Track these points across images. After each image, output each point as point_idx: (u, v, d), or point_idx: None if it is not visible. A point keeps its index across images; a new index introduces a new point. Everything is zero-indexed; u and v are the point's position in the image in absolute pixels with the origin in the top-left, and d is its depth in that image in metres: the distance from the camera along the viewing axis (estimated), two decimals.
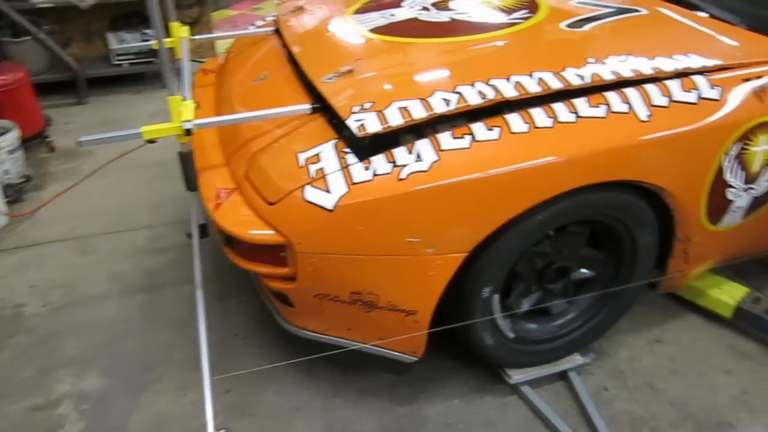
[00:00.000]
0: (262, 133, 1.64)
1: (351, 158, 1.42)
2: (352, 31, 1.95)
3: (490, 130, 1.41)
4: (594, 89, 1.49)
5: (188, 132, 1.50)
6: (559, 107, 1.45)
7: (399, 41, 1.82)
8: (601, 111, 1.45)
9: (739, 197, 1.65)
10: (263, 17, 2.58)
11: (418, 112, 1.41)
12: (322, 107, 1.60)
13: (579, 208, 1.49)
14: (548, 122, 1.42)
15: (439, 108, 1.42)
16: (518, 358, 1.73)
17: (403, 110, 1.42)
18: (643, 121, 1.45)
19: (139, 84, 4.02)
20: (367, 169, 1.38)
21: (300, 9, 2.26)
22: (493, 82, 1.48)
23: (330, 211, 1.36)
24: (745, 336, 2.00)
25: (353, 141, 1.45)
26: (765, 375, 1.87)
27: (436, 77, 1.60)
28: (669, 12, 1.92)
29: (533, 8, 1.96)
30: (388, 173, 1.37)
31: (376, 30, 1.90)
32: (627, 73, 1.51)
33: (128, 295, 2.21)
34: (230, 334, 2.02)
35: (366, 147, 1.43)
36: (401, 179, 1.35)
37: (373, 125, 1.40)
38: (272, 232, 1.42)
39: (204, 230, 1.82)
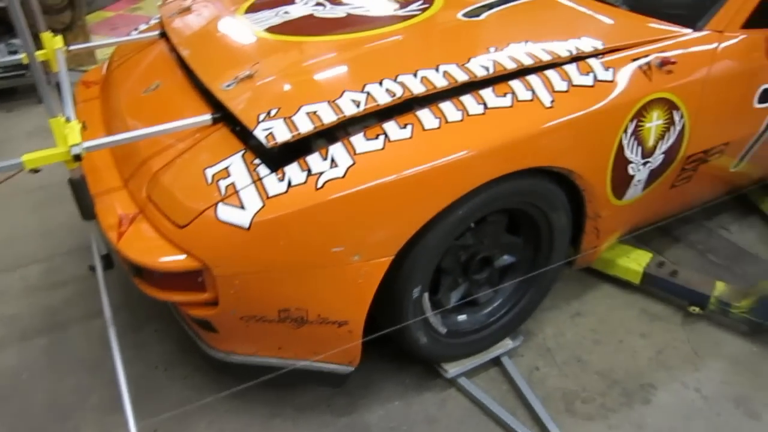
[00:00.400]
0: (161, 149, 1.52)
1: (263, 170, 1.35)
2: (246, 31, 1.86)
3: (403, 128, 1.39)
4: (498, 79, 1.51)
5: (78, 157, 1.36)
6: (468, 100, 1.45)
7: (297, 40, 1.75)
8: (507, 100, 1.47)
9: (639, 172, 1.74)
10: (146, 19, 2.40)
11: (328, 116, 1.36)
12: (224, 116, 1.51)
13: (497, 198, 1.51)
14: (458, 116, 1.42)
15: (349, 110, 1.37)
16: (452, 351, 1.74)
17: (312, 115, 1.37)
18: (547, 108, 1.49)
19: (10, 100, 3.64)
20: (281, 180, 1.32)
21: (186, 10, 2.12)
22: (401, 78, 1.46)
23: (246, 229, 1.28)
24: (654, 299, 2.13)
25: (263, 151, 1.38)
26: (676, 334, 2.00)
27: (343, 77, 1.56)
28: None
29: None
30: (303, 183, 1.31)
31: (272, 29, 1.82)
32: (528, 60, 1.54)
33: (28, 339, 2.00)
34: (150, 367, 1.88)
35: (277, 156, 1.36)
36: (318, 188, 1.30)
37: (282, 134, 1.33)
38: (186, 257, 1.33)
39: (108, 261, 1.67)
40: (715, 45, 1.77)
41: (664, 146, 1.74)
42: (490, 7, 1.89)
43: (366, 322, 1.50)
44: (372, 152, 1.35)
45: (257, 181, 1.33)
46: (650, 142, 1.70)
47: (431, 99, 1.45)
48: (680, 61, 1.69)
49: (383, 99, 1.40)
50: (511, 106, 1.46)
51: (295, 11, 1.92)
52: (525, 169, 1.48)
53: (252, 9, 2.01)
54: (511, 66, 1.52)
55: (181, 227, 1.34)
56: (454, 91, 1.46)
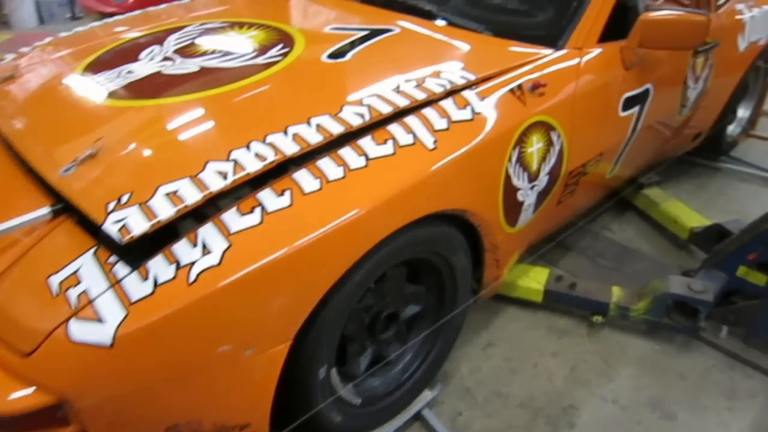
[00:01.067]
0: None
1: (121, 269, 1.13)
2: (85, 99, 1.62)
3: (281, 195, 1.24)
4: (376, 125, 1.41)
5: None
6: (347, 153, 1.33)
7: (146, 104, 1.54)
8: (389, 148, 1.37)
9: (528, 196, 1.71)
10: None
11: (191, 195, 1.18)
12: (67, 207, 1.27)
13: (394, 254, 1.39)
14: (339, 173, 1.29)
15: (216, 184, 1.20)
16: (370, 421, 1.60)
17: (173, 196, 1.18)
18: (431, 150, 1.41)
19: None
20: (145, 279, 1.11)
21: (11, 78, 1.82)
22: (270, 138, 1.31)
23: (109, 346, 1.06)
24: (558, 313, 2.14)
25: (119, 246, 1.16)
26: (584, 347, 2.01)
27: (204, 145, 1.37)
28: (417, 27, 1.94)
29: (288, 41, 1.83)
30: (172, 279, 1.11)
31: (115, 94, 1.59)
32: (403, 101, 1.45)
33: None
34: None
35: (137, 249, 1.15)
36: (191, 283, 1.11)
37: (138, 224, 1.13)
38: (36, 391, 1.08)
39: None
40: (577, 61, 1.80)
41: (547, 167, 1.74)
42: (353, 45, 1.79)
43: (272, 414, 1.32)
44: (249, 229, 1.18)
45: (115, 284, 1.11)
46: (534, 166, 1.69)
47: (307, 157, 1.31)
48: (550, 82, 1.70)
49: (253, 166, 1.24)
50: (393, 154, 1.36)
51: (140, 70, 1.70)
52: (419, 218, 1.38)
53: (90, 69, 1.76)
54: (387, 110, 1.42)
55: (27, 355, 1.08)
56: (330, 145, 1.34)
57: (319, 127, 1.35)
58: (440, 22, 1.97)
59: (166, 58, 1.77)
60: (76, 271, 1.15)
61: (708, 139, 2.94)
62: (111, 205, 1.18)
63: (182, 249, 1.15)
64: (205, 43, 1.86)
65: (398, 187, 1.32)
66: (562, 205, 1.99)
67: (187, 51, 1.81)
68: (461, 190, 1.48)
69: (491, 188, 1.57)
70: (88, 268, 1.15)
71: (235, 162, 1.25)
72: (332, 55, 1.73)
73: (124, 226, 1.13)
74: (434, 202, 1.41)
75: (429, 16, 2.01)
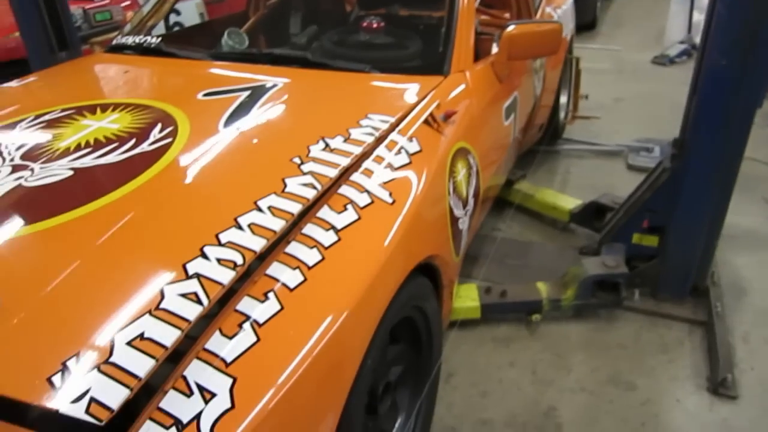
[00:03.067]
0: None
1: None
2: None
3: (265, 300, 1.05)
4: (324, 193, 1.28)
5: None
6: (313, 231, 1.18)
7: (33, 231, 1.20)
8: (351, 213, 1.25)
9: (465, 223, 1.71)
10: None
11: (165, 335, 0.94)
12: None
13: (389, 323, 1.27)
14: (316, 255, 1.14)
15: (189, 312, 0.98)
16: None
17: (140, 342, 0.93)
18: (392, 204, 1.32)
19: None
20: None
21: None
22: (225, 237, 1.11)
23: None
24: (494, 324, 2.18)
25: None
26: (533, 348, 2.07)
27: (148, 267, 1.10)
28: (295, 78, 1.83)
29: (165, 119, 1.59)
30: None
31: None
32: (344, 160, 1.34)
33: None
34: None
35: (111, 428, 0.89)
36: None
37: (112, 394, 0.87)
38: None
39: None
40: (464, 84, 1.85)
41: (471, 190, 1.75)
42: (244, 107, 1.62)
43: None
44: (248, 352, 0.98)
45: None
46: (464, 193, 1.69)
47: (270, 249, 1.13)
48: (453, 107, 1.71)
49: (222, 276, 1.03)
50: (359, 219, 1.24)
51: None
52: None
53: None
54: (332, 173, 1.30)
55: None
56: (289, 230, 1.17)
57: (273, 209, 1.18)
58: (314, 69, 1.88)
59: (16, 168, 1.42)
60: None
61: (547, 128, 3.25)
62: (57, 379, 0.89)
63: (174, 403, 0.91)
64: (59, 139, 1.53)
65: (383, 252, 1.21)
66: (478, 221, 2.03)
67: (39, 154, 1.47)
68: (426, 237, 1.42)
69: (443, 225, 1.53)
70: None
71: (198, 277, 1.03)
72: (228, 123, 1.54)
73: (92, 401, 0.86)
74: (413, 257, 1.32)
75: (304, 64, 1.90)
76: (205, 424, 0.89)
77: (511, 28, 1.96)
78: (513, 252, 2.58)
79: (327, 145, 1.40)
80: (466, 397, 1.89)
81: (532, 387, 1.92)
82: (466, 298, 2.12)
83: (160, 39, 2.24)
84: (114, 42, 2.36)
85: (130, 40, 2.29)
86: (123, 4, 4.48)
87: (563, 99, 3.52)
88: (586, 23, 6.51)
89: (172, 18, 4.61)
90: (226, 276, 1.03)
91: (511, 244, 2.64)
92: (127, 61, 2.19)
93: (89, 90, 1.98)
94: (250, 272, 1.10)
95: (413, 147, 1.50)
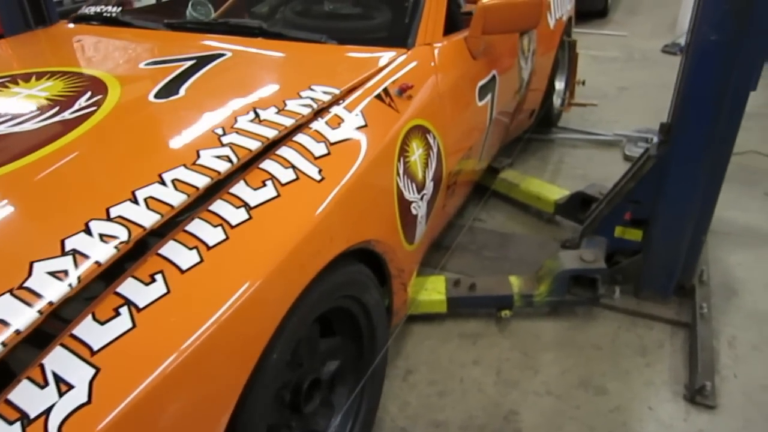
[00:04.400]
0: None
1: None
2: None
3: (150, 283, 0.93)
4: (245, 166, 1.15)
5: None
6: (222, 207, 1.06)
7: None
8: (270, 190, 1.12)
9: (420, 208, 1.57)
10: None
11: (22, 315, 0.83)
12: None
13: (308, 313, 1.15)
14: (220, 235, 1.02)
15: (53, 293, 0.86)
16: None
17: None
18: (320, 181, 1.19)
19: None
20: None
21: None
22: (116, 211, 0.99)
23: None
24: (464, 318, 2.05)
25: None
26: (501, 345, 1.93)
27: (24, 242, 0.99)
28: (251, 48, 1.70)
29: (98, 87, 1.48)
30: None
31: None
32: (271, 132, 1.22)
33: None
34: None
35: None
36: None
37: None
38: None
39: None
40: (430, 57, 1.71)
41: (430, 173, 1.61)
42: (182, 78, 1.50)
43: None
44: (120, 339, 0.86)
45: None
46: (420, 175, 1.55)
47: (171, 226, 1.02)
48: (413, 82, 1.57)
49: (101, 254, 0.92)
50: (278, 196, 1.12)
51: None
52: (327, 264, 1.16)
53: None
54: (255, 145, 1.17)
55: None
56: (197, 203, 1.06)
57: (177, 182, 1.06)
58: (270, 39, 1.75)
59: None
60: None
61: (540, 114, 3.09)
62: None
63: (25, 394, 0.80)
64: None
65: (298, 234, 1.08)
66: (445, 208, 1.89)
67: None
68: (363, 219, 1.28)
69: (388, 208, 1.40)
70: None
71: (75, 253, 0.92)
72: (160, 94, 1.42)
73: None
74: (339, 241, 1.19)
75: (258, 33, 1.78)
76: (54, 420, 0.78)
77: (486, 0, 1.81)
78: (491, 243, 2.43)
79: (257, 116, 1.27)
80: (422, 396, 1.76)
81: (495, 388, 1.78)
82: (433, 291, 1.99)
83: (119, 9, 2.13)
84: (79, 12, 2.26)
85: (92, 10, 2.19)
86: None
87: (559, 85, 3.35)
88: (598, 10, 6.28)
89: None
90: (105, 253, 0.92)
91: (490, 236, 2.49)
92: (85, 31, 2.09)
93: (33, 59, 1.87)
94: (146, 250, 0.99)
95: (357, 121, 1.36)
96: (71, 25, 2.16)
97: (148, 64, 1.63)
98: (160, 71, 1.55)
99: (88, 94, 1.44)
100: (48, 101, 1.41)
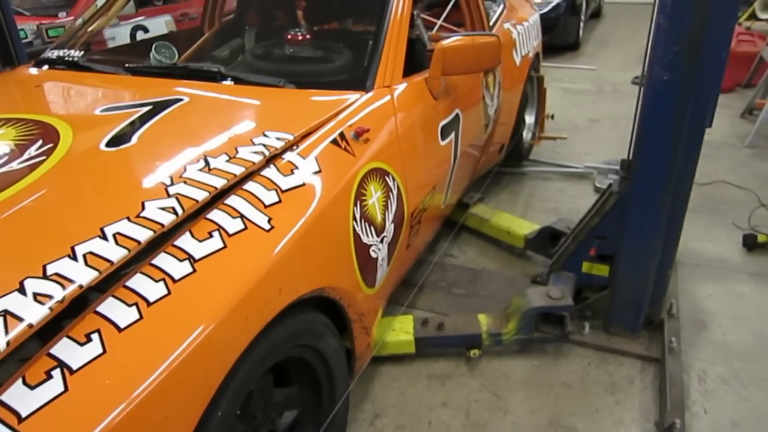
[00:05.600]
0: None
1: None
2: None
3: (85, 343, 0.90)
4: (191, 217, 1.14)
5: None
6: (164, 261, 1.04)
7: None
8: (216, 241, 1.10)
9: (380, 251, 1.56)
10: None
11: None
12: None
13: (257, 366, 1.12)
14: (161, 290, 0.99)
15: None
16: None
17: None
18: (269, 230, 1.17)
19: None
20: None
21: None
22: (53, 268, 0.96)
23: None
24: (433, 358, 2.02)
25: None
26: (470, 386, 1.90)
27: None
28: (207, 93, 1.70)
29: (50, 135, 1.46)
30: None
31: None
32: (219, 181, 1.20)
33: None
34: None
35: None
36: None
37: None
38: None
39: None
40: (389, 99, 1.72)
41: (390, 215, 1.60)
42: (135, 125, 1.49)
43: None
44: (46, 408, 0.83)
45: None
46: (379, 218, 1.54)
47: (110, 281, 0.99)
48: (371, 125, 1.57)
49: (32, 316, 0.89)
50: (224, 248, 1.10)
51: None
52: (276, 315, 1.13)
53: None
54: (201, 196, 1.15)
55: None
56: (138, 258, 1.03)
57: (118, 237, 1.03)
58: (229, 83, 1.75)
59: None
60: None
61: (509, 148, 3.12)
62: None
63: None
64: None
65: (243, 287, 1.06)
66: (410, 248, 1.88)
67: None
68: (315, 267, 1.27)
69: (344, 254, 1.38)
70: None
71: (6, 314, 0.88)
72: (112, 143, 1.40)
73: None
74: (289, 291, 1.16)
75: (217, 78, 1.78)
76: None
77: (445, 41, 1.83)
78: (462, 280, 2.42)
79: (207, 164, 1.26)
80: None
81: (464, 431, 1.75)
82: (400, 331, 1.96)
83: (82, 53, 2.12)
84: (41, 56, 2.25)
85: (54, 53, 2.18)
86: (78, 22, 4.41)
87: (529, 119, 3.39)
88: (569, 44, 6.43)
89: (140, 35, 4.53)
90: (37, 314, 0.89)
91: (460, 272, 2.48)
92: (46, 76, 2.08)
93: None
94: (82, 308, 0.96)
95: (311, 167, 1.36)
96: (33, 70, 2.15)
97: (103, 110, 1.61)
98: (114, 117, 1.54)
99: (40, 142, 1.42)
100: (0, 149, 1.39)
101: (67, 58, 2.10)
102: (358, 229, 1.43)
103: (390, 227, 1.60)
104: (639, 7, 9.32)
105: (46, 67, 2.11)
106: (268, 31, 2.42)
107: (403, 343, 1.94)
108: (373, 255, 1.52)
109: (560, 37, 6.07)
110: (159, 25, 4.61)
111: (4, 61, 3.03)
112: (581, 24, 6.60)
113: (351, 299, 1.43)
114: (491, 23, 2.73)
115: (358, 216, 1.43)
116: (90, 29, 2.41)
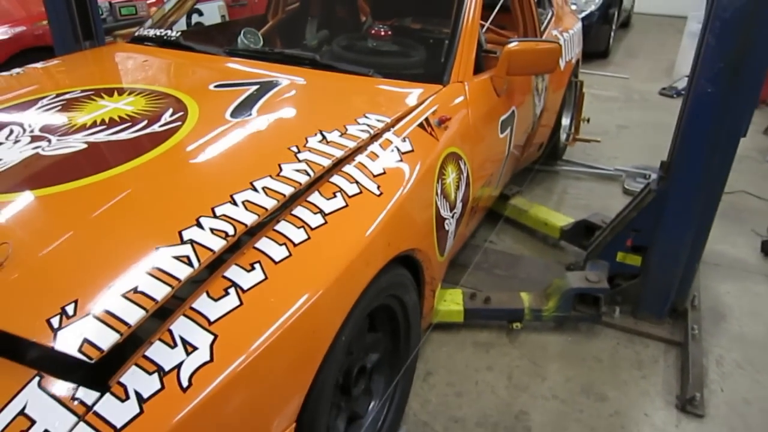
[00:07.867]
0: None
1: (86, 395, 0.94)
2: None
3: (251, 270, 1.14)
4: (317, 180, 1.37)
5: None
6: (302, 213, 1.28)
7: (47, 193, 1.30)
8: (339, 200, 1.34)
9: (451, 225, 1.79)
10: None
11: (157, 289, 1.03)
12: None
13: (367, 305, 1.36)
14: (303, 234, 1.23)
15: (180, 272, 1.06)
16: None
17: (133, 295, 1.02)
18: (379, 196, 1.41)
19: None
20: (125, 399, 0.94)
21: None
22: (220, 211, 1.20)
23: None
24: (477, 329, 2.25)
25: (68, 368, 0.97)
26: (512, 354, 2.14)
27: (146, 231, 1.20)
28: (301, 78, 1.93)
29: (177, 105, 1.70)
30: (161, 390, 0.95)
31: None
32: (338, 152, 1.44)
33: None
34: None
35: (96, 369, 0.97)
36: (186, 388, 0.96)
37: (103, 337, 0.95)
38: None
39: None
40: (463, 94, 1.94)
41: (460, 195, 1.84)
42: (251, 100, 1.72)
43: None
44: (230, 314, 1.07)
45: (87, 413, 0.92)
46: (452, 196, 1.77)
47: (260, 226, 1.23)
48: (451, 115, 1.80)
49: (214, 244, 1.12)
50: (346, 206, 1.33)
51: (9, 156, 1.44)
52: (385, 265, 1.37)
53: None
54: (326, 162, 1.39)
55: None
56: (280, 209, 1.27)
57: (267, 190, 1.27)
58: (320, 70, 1.98)
59: (35, 138, 1.53)
60: (22, 411, 0.93)
61: (546, 147, 3.34)
62: (55, 321, 0.98)
63: (160, 353, 1.00)
64: (76, 115, 1.64)
65: (365, 238, 1.29)
66: (467, 227, 2.11)
67: (57, 128, 1.58)
68: (410, 230, 1.50)
69: (428, 223, 1.62)
70: (37, 402, 0.94)
71: (192, 243, 1.12)
72: (235, 114, 1.64)
73: (86, 342, 0.95)
74: (394, 245, 1.40)
75: (310, 64, 2.01)
76: (185, 373, 0.98)
77: (512, 44, 2.06)
78: (502, 263, 2.65)
79: (324, 137, 1.49)
80: (441, 395, 1.96)
81: (507, 391, 1.98)
82: (451, 302, 2.19)
83: (179, 33, 2.36)
84: (136, 33, 2.48)
85: (151, 32, 2.42)
86: (148, 1, 4.65)
87: (565, 121, 3.61)
88: (600, 51, 6.63)
89: (195, 18, 4.77)
90: (217, 244, 1.12)
91: (501, 256, 2.71)
92: (146, 51, 2.31)
93: (108, 75, 2.09)
94: (241, 244, 1.19)
95: (405, 146, 1.59)
96: (134, 45, 2.38)
97: (217, 86, 1.85)
98: (228, 93, 1.78)
99: (171, 110, 1.66)
100: (136, 115, 1.63)
101: (165, 37, 2.34)
102: (438, 203, 1.66)
103: (459, 205, 1.84)
104: (665, 19, 9.52)
105: (147, 43, 2.34)
106: (342, 24, 2.65)
107: (453, 312, 2.18)
108: (446, 227, 1.75)
109: (591, 44, 6.25)
110: (212, 9, 4.84)
111: (85, 36, 3.28)
112: (612, 33, 6.80)
113: (428, 262, 1.66)
114: (541, 29, 2.95)
115: (439, 191, 1.66)
116: (174, 12, 2.64)
